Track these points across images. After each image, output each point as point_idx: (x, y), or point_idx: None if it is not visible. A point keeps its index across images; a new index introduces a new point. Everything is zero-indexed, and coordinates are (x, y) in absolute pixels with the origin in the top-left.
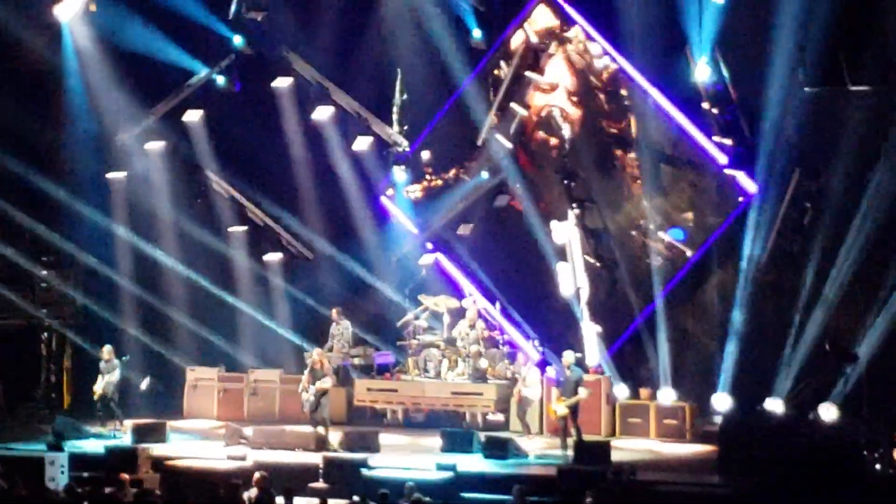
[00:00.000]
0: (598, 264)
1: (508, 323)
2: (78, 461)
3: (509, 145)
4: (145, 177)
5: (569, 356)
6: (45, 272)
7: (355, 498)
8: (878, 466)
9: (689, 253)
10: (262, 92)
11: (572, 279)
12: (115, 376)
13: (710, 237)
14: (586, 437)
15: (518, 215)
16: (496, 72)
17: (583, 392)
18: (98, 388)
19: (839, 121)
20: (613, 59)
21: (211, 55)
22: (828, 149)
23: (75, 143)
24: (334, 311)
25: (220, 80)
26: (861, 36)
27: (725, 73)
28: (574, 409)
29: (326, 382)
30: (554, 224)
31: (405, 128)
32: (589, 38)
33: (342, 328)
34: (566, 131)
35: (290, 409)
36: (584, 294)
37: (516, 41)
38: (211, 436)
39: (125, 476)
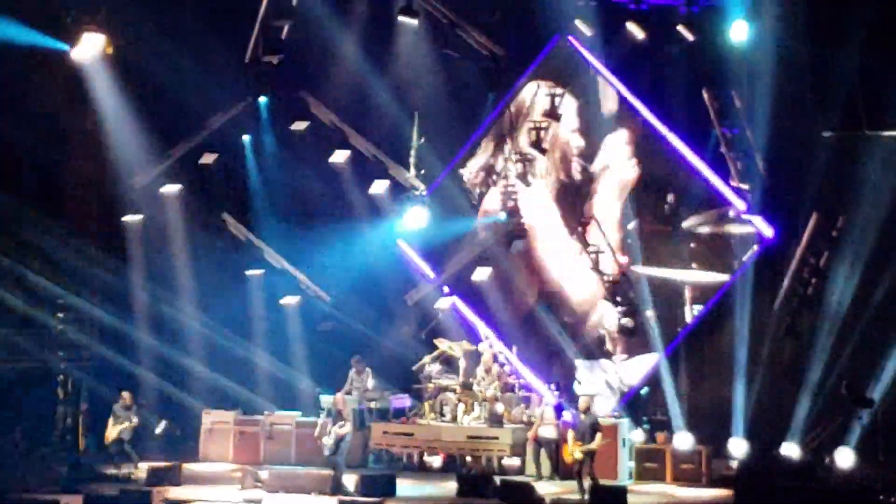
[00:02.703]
0: (616, 309)
1: (524, 367)
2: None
3: (525, 188)
4: (161, 220)
5: (585, 401)
6: (60, 315)
7: None
8: None
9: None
10: (279, 135)
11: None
12: (133, 421)
13: (726, 281)
14: (603, 482)
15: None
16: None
17: (598, 438)
18: (111, 433)
19: (857, 165)
20: (629, 103)
21: (228, 98)
22: (845, 193)
23: (90, 186)
24: (353, 360)
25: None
26: (879, 80)
27: (742, 116)
28: (590, 455)
29: (346, 427)
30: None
31: (422, 171)
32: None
33: (364, 376)
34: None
35: (306, 453)
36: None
37: (529, 91)
38: (226, 479)
39: None
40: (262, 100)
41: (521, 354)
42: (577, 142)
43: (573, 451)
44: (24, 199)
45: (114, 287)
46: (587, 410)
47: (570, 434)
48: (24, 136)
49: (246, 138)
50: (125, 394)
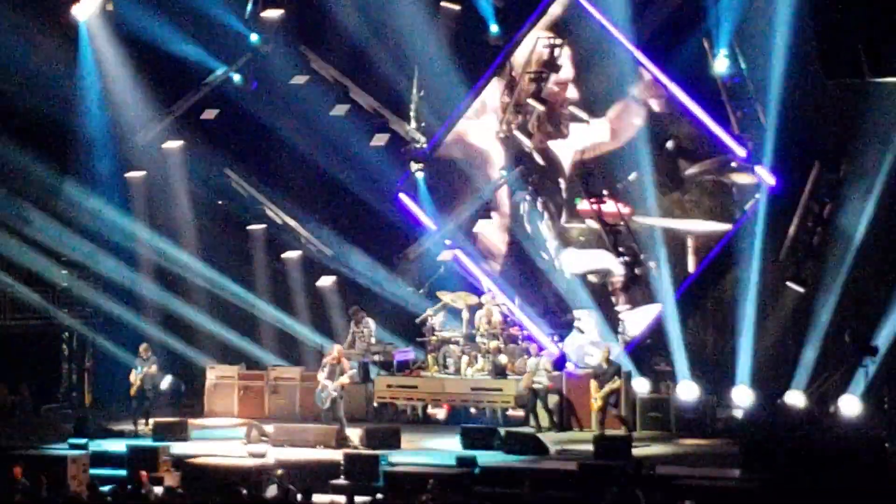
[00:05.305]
0: (617, 259)
1: (527, 318)
2: (100, 460)
3: (527, 141)
4: (164, 176)
5: (605, 350)
6: (64, 272)
7: (379, 495)
8: None
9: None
10: (279, 90)
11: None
12: (152, 369)
13: (729, 230)
14: (608, 432)
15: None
16: (512, 73)
17: (616, 382)
18: (135, 378)
19: (858, 113)
20: (631, 55)
21: (228, 54)
22: (847, 141)
23: (93, 143)
24: (352, 311)
25: (237, 78)
26: (882, 27)
27: (743, 65)
28: (613, 400)
29: (345, 379)
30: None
31: (423, 124)
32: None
33: (363, 326)
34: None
35: (311, 407)
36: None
37: (528, 43)
38: (232, 433)
39: (144, 473)
40: (255, 38)
41: (523, 306)
42: (574, 93)
43: (594, 401)
44: (29, 156)
45: (118, 243)
46: (608, 359)
47: (594, 383)
48: (28, 93)
49: (245, 90)
50: (142, 345)
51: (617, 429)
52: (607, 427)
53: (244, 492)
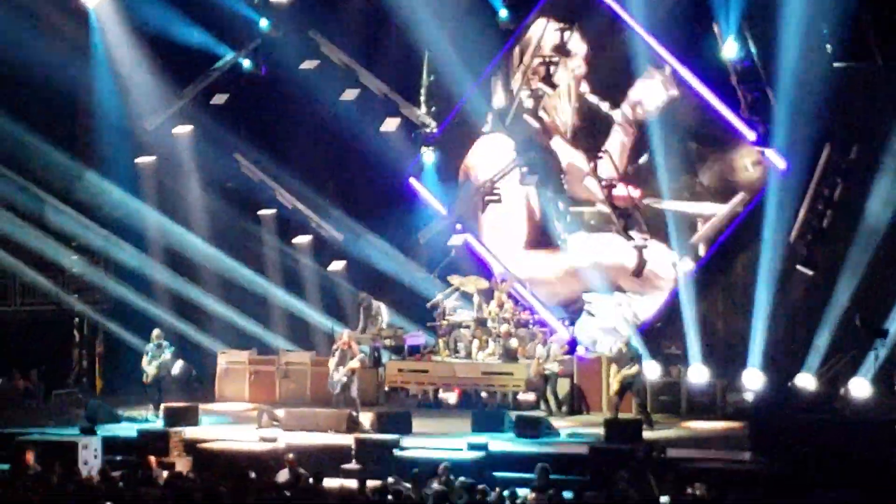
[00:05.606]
0: (628, 242)
1: (538, 302)
2: (111, 445)
3: (536, 124)
4: (174, 161)
5: (626, 333)
6: (75, 257)
7: (390, 479)
8: None
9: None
10: (289, 75)
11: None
12: (167, 356)
13: (739, 214)
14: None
15: None
16: (522, 57)
17: (635, 368)
18: (150, 371)
19: (868, 96)
20: (641, 37)
21: (237, 39)
22: (857, 124)
23: (103, 128)
24: (363, 295)
25: (247, 63)
26: (891, 11)
27: (753, 49)
28: (629, 386)
29: (355, 363)
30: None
31: (433, 109)
32: (616, 18)
33: (375, 310)
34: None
35: (322, 391)
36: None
37: (537, 28)
38: (243, 418)
39: (152, 458)
40: (264, 23)
41: (533, 290)
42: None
43: (612, 385)
44: (41, 141)
45: (129, 228)
46: (627, 344)
47: (613, 368)
48: (40, 80)
49: (255, 75)
50: (155, 331)
51: (628, 413)
52: (621, 413)
53: (252, 475)
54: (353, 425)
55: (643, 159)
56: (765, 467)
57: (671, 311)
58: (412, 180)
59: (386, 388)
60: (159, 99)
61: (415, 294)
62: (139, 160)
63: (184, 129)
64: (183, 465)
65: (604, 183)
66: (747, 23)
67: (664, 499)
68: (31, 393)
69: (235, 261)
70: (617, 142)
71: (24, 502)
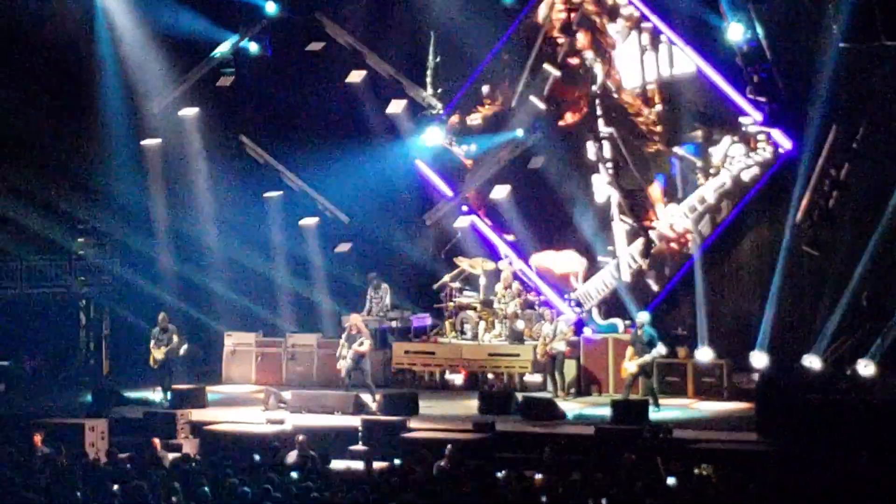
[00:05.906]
0: (634, 224)
1: (544, 283)
2: (118, 427)
3: (543, 106)
4: (180, 143)
5: (643, 316)
6: (80, 240)
7: (397, 461)
8: None
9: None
10: (295, 57)
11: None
12: (174, 340)
13: (746, 195)
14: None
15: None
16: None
17: (655, 352)
18: (157, 355)
19: (875, 76)
20: (646, 18)
21: (243, 21)
22: (864, 104)
23: (109, 111)
24: (369, 277)
25: (253, 46)
26: None
27: (759, 30)
28: (647, 370)
29: (364, 346)
30: (596, 179)
31: (439, 90)
32: None
33: (381, 293)
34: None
35: (328, 373)
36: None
37: (544, 8)
38: (249, 400)
39: (156, 441)
40: (271, 7)
41: (539, 271)
42: (591, 56)
43: (627, 367)
44: (46, 126)
45: (134, 210)
46: (643, 326)
47: (630, 350)
48: (43, 63)
49: (261, 57)
50: (161, 315)
51: (635, 394)
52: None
53: (256, 457)
54: (359, 407)
55: None
56: (771, 448)
57: (678, 290)
58: (418, 162)
59: (392, 370)
60: (165, 81)
61: (421, 275)
62: (145, 142)
63: (189, 112)
64: (190, 446)
65: (609, 166)
66: (753, 3)
67: (671, 479)
68: (39, 375)
69: (241, 242)
70: None
71: (33, 485)
